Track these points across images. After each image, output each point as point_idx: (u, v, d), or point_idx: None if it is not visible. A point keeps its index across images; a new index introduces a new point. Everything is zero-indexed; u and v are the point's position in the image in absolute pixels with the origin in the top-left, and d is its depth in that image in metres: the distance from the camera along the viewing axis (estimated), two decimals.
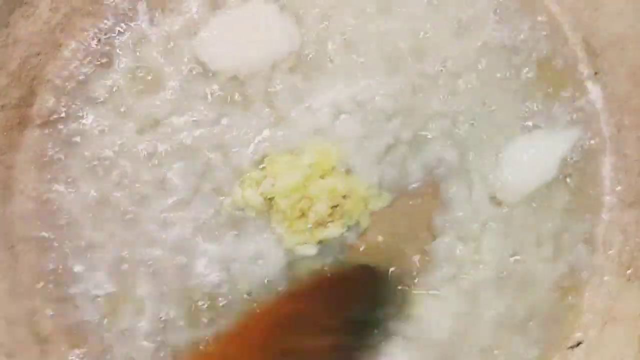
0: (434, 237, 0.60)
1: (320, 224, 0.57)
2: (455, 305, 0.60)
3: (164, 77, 0.58)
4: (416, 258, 0.60)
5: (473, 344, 0.61)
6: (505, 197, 0.60)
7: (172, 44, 0.58)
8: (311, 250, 0.58)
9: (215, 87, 0.58)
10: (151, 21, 0.58)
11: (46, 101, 0.57)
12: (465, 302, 0.61)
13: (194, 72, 0.58)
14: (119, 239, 0.58)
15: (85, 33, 0.58)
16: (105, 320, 0.58)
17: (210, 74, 0.58)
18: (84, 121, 0.58)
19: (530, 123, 0.61)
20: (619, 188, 0.63)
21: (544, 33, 0.62)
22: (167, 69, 0.58)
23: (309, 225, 0.57)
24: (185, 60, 0.58)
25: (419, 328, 0.60)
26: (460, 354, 0.61)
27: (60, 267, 0.59)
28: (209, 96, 0.58)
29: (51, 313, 0.59)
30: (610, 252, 0.63)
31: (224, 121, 0.58)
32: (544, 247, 0.62)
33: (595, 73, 0.62)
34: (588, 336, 0.62)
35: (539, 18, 0.62)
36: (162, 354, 0.58)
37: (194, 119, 0.58)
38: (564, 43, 0.62)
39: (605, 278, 0.62)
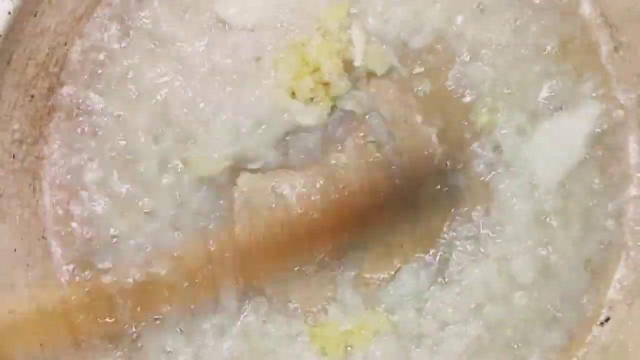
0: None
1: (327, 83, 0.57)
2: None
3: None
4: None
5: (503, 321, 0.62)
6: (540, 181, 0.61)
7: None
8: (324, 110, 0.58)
9: None
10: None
11: (73, 91, 0.57)
12: (495, 281, 0.62)
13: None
14: (144, 231, 0.59)
15: (107, 19, 0.58)
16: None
17: None
18: (109, 109, 0.58)
19: (552, 106, 0.62)
20: None
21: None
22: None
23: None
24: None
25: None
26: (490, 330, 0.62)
27: (90, 257, 0.59)
28: None
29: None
30: (638, 227, 0.63)
31: None
32: (573, 227, 0.62)
33: (615, 48, 0.62)
34: (616, 312, 0.63)
35: None
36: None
37: None
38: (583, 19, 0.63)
39: (632, 253, 0.63)
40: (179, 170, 0.58)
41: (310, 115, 0.57)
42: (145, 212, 0.59)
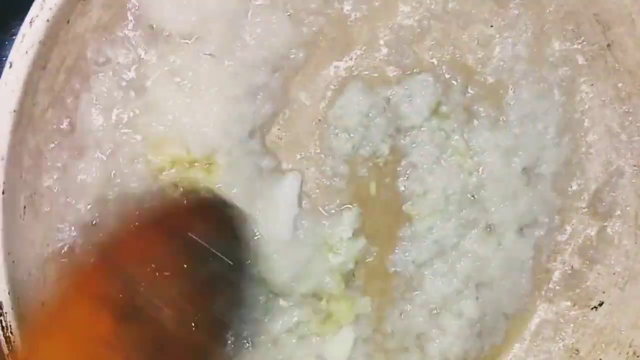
0: None
1: None
2: None
3: None
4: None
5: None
6: None
7: None
8: None
9: None
10: None
11: (100, 93, 0.60)
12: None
13: None
14: None
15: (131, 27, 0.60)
16: None
17: None
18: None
19: None
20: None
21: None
22: None
23: None
24: None
25: None
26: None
27: None
28: None
29: None
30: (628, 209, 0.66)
31: None
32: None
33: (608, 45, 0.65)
34: (610, 296, 0.66)
35: None
36: None
37: None
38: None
39: (624, 242, 0.66)
40: None
41: None
42: None
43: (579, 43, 0.64)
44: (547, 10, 0.64)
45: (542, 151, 0.64)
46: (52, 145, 0.57)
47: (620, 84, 0.65)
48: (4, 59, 0.53)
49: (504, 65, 0.64)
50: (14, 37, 0.50)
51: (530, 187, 0.64)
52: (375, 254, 0.64)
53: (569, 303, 0.67)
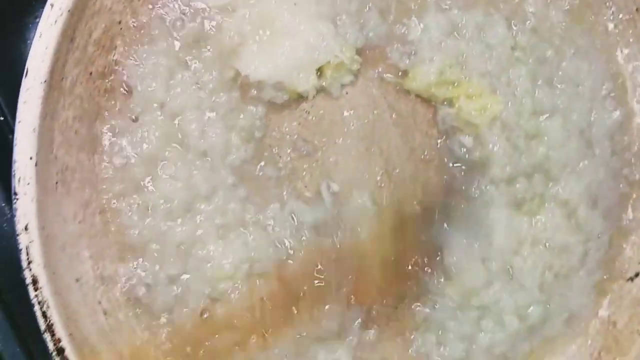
0: None
1: None
2: None
3: None
4: None
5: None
6: None
7: None
8: None
9: None
10: None
11: (127, 69, 0.59)
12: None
13: None
14: None
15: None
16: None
17: None
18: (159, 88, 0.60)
19: None
20: None
21: None
22: None
23: None
24: None
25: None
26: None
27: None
28: None
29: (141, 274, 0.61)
30: None
31: None
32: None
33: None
34: None
35: None
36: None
37: None
38: None
39: None
40: None
41: None
42: None
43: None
44: None
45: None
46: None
47: None
48: (29, 41, 0.53)
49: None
50: (37, 20, 0.50)
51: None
52: None
53: (604, 276, 0.66)
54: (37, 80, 0.49)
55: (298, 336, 0.60)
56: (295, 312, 0.60)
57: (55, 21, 0.49)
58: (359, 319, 0.61)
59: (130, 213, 0.60)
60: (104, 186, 0.60)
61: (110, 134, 0.60)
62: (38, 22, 0.51)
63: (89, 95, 0.58)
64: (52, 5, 0.48)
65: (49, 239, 0.52)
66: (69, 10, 0.49)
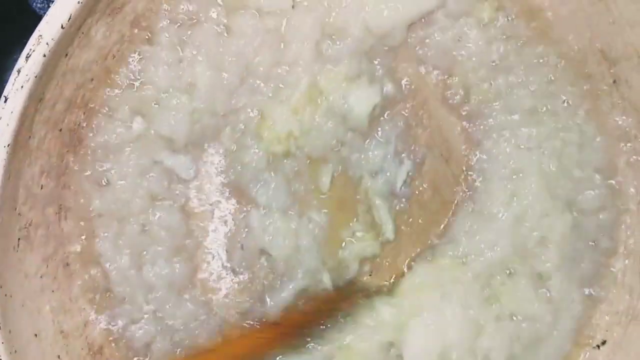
0: None
1: None
2: None
3: None
4: None
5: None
6: None
7: None
8: None
9: None
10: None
11: (99, 124, 0.60)
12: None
13: None
14: None
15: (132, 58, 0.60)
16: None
17: None
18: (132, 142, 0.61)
19: None
20: None
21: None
22: None
23: None
24: None
25: None
26: None
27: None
28: None
29: (103, 325, 0.61)
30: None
31: None
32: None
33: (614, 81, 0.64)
34: (612, 335, 0.65)
35: None
36: None
37: None
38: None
39: (627, 278, 0.65)
40: None
41: None
42: None
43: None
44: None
45: None
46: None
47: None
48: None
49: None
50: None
51: None
52: None
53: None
54: (0, 144, 0.49)
55: None
56: None
57: (22, 86, 0.49)
58: None
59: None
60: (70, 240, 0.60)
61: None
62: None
63: (57, 151, 0.58)
64: (18, 72, 0.49)
65: (7, 297, 0.52)
66: (36, 76, 0.50)
